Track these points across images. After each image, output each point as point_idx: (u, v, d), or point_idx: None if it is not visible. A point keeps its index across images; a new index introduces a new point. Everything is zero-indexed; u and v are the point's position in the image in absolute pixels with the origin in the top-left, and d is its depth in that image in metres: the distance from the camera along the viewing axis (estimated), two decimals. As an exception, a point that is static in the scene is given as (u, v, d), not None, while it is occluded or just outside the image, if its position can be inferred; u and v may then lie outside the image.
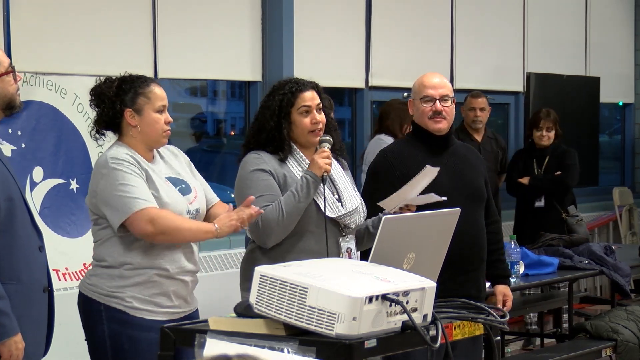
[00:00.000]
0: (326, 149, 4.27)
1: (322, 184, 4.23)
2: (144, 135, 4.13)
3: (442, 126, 4.74)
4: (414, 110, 4.81)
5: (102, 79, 4.20)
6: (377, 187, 4.73)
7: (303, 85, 4.34)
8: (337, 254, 4.29)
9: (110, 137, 4.27)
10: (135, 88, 4.13)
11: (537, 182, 8.11)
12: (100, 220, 4.11)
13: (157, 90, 4.16)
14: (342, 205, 4.33)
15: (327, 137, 4.31)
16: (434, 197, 4.30)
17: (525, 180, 8.14)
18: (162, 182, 4.14)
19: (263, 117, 4.34)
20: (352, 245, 4.35)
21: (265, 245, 4.27)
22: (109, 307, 4.06)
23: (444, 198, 4.29)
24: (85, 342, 4.22)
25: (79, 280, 6.16)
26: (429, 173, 4.28)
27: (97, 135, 4.21)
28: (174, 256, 4.12)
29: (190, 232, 4.08)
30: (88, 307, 4.13)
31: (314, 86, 4.38)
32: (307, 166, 4.30)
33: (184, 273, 4.17)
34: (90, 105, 4.21)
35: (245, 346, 3.19)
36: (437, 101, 4.70)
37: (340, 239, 4.32)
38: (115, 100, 4.12)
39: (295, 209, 4.19)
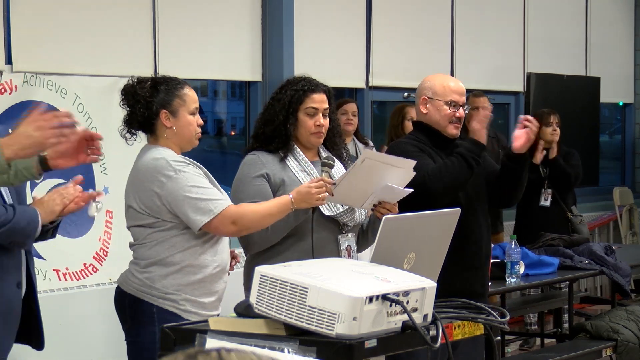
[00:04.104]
0: (325, 176, 4.17)
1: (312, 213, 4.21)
2: (178, 137, 4.15)
3: (458, 132, 4.83)
4: (430, 110, 4.81)
5: (135, 79, 4.20)
6: None
7: (316, 86, 4.36)
8: (336, 251, 4.30)
9: (142, 137, 4.29)
10: (171, 90, 4.15)
11: (557, 161, 7.99)
12: (160, 223, 4.10)
13: (190, 93, 4.19)
14: (341, 205, 4.33)
15: (330, 162, 4.23)
16: (402, 191, 4.21)
17: (554, 152, 8.00)
18: (214, 180, 4.20)
19: (272, 109, 4.37)
20: (352, 243, 4.36)
21: (246, 251, 4.38)
22: (161, 309, 4.07)
23: (410, 190, 4.20)
24: (125, 342, 4.21)
25: (77, 281, 6.22)
26: (369, 162, 4.13)
27: (127, 135, 4.22)
28: (223, 255, 4.18)
29: (272, 217, 4.12)
30: (139, 307, 4.12)
31: (326, 90, 4.40)
32: (306, 166, 4.32)
33: (225, 273, 4.23)
34: (121, 104, 4.21)
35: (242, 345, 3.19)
36: (461, 108, 4.78)
37: (340, 237, 4.32)
38: (150, 101, 4.13)
39: (281, 229, 4.24)
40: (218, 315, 4.20)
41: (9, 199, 3.80)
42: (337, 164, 4.42)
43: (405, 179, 4.20)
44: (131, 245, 4.23)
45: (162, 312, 4.06)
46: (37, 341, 3.97)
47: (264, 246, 4.30)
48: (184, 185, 4.03)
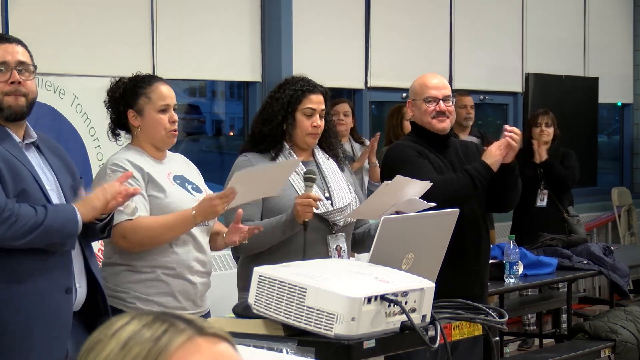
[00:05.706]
0: (310, 191, 4.18)
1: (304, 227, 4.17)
2: (147, 136, 4.11)
3: (446, 125, 4.80)
4: (414, 111, 4.84)
5: (116, 79, 4.20)
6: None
7: (314, 87, 4.37)
8: (326, 251, 4.29)
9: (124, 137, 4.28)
10: (138, 88, 4.11)
11: (551, 163, 7.99)
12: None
13: (162, 89, 4.11)
14: (331, 203, 4.34)
15: (313, 176, 4.22)
16: (422, 204, 4.25)
17: (542, 154, 8.00)
18: (167, 181, 4.11)
19: (271, 108, 4.36)
20: (342, 243, 4.35)
21: (234, 252, 4.41)
22: (112, 308, 4.00)
23: (433, 204, 4.25)
24: None
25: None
26: (402, 183, 4.22)
27: (111, 136, 4.22)
28: (181, 256, 4.08)
29: (170, 231, 4.00)
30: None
31: (324, 92, 4.41)
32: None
33: (192, 273, 4.11)
34: (105, 105, 4.22)
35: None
36: (441, 101, 4.76)
37: (329, 237, 4.32)
38: (120, 102, 4.12)
39: (267, 242, 4.22)
40: (206, 314, 4.18)
41: (61, 198, 3.63)
42: (330, 167, 4.44)
43: (421, 192, 4.22)
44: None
45: (113, 311, 3.96)
46: None
47: (250, 252, 4.29)
48: None
